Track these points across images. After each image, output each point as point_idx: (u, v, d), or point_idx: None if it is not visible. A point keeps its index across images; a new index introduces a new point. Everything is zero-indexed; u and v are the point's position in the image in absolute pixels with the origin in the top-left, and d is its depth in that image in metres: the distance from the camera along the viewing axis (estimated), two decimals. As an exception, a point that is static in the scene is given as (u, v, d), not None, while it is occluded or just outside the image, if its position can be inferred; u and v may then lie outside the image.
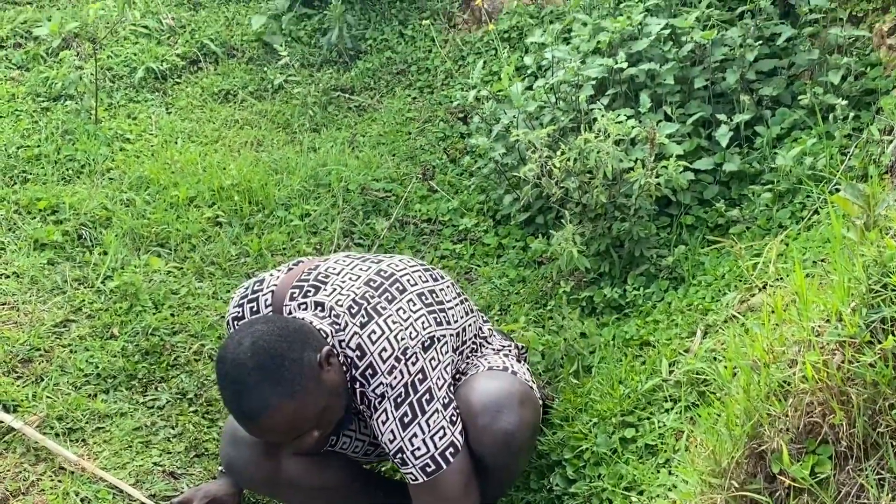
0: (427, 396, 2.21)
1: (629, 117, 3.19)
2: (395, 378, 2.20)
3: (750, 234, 3.05)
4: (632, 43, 3.47)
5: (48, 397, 2.86)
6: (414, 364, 2.21)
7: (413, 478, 2.23)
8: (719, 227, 3.19)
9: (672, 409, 2.54)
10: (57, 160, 3.89)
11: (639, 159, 3.10)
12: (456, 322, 2.36)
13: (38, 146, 3.95)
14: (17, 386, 2.88)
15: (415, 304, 2.29)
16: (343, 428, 2.32)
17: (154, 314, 3.18)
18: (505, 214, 3.71)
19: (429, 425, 2.21)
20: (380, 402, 2.21)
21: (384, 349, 2.21)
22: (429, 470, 2.22)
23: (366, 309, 2.25)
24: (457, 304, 2.40)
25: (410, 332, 2.23)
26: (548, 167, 3.18)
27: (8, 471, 2.63)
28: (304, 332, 2.15)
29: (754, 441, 1.84)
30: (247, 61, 4.85)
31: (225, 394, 2.11)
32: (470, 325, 2.44)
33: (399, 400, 2.20)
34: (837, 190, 2.79)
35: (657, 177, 3.04)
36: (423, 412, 2.21)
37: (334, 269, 2.36)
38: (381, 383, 2.20)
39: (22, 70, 4.56)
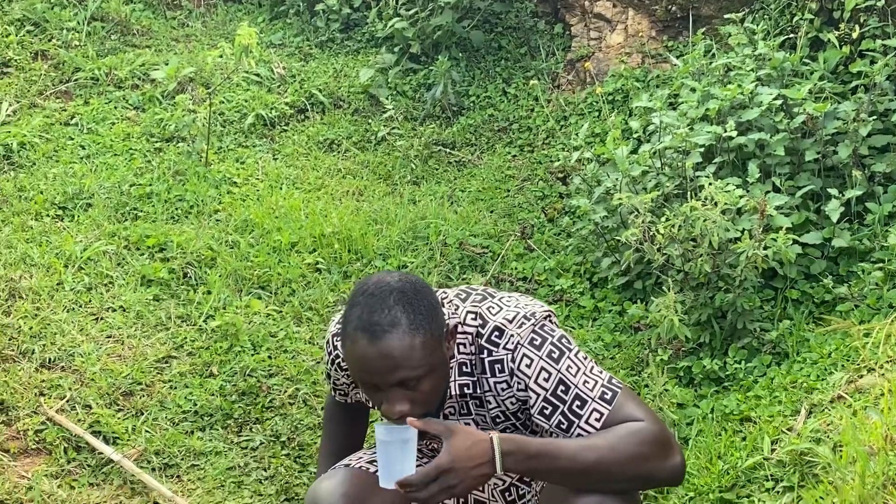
0: (565, 341, 2.11)
1: (737, 186, 3.15)
2: (525, 330, 2.11)
3: (858, 313, 2.97)
4: (742, 111, 3.44)
5: (147, 431, 2.92)
6: (537, 319, 2.13)
7: (597, 415, 2.06)
8: (826, 303, 3.12)
9: (773, 489, 2.46)
10: (167, 199, 4.01)
11: (746, 230, 3.05)
12: None
13: (150, 185, 4.08)
14: (118, 418, 2.94)
15: (527, 297, 2.25)
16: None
17: (252, 355, 3.23)
18: (602, 277, 3.68)
19: (580, 360, 2.09)
20: (516, 351, 2.10)
21: (506, 315, 2.14)
22: (608, 396, 2.05)
23: (476, 293, 2.22)
24: None
25: (528, 307, 2.17)
26: (651, 233, 3.15)
27: (105, 502, 2.68)
28: (440, 303, 2.14)
29: (868, 530, 1.77)
30: (352, 112, 4.95)
31: (355, 310, 2.04)
32: None
33: (537, 343, 2.10)
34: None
35: (764, 248, 2.99)
36: (569, 349, 2.10)
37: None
38: (512, 335, 2.11)
39: (138, 111, 4.73)
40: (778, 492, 2.43)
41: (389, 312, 2.02)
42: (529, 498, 2.43)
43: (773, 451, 2.55)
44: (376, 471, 2.36)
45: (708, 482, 2.55)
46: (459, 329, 2.17)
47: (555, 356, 2.11)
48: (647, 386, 3.07)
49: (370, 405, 2.43)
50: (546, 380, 2.10)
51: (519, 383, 2.13)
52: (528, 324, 2.14)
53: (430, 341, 2.05)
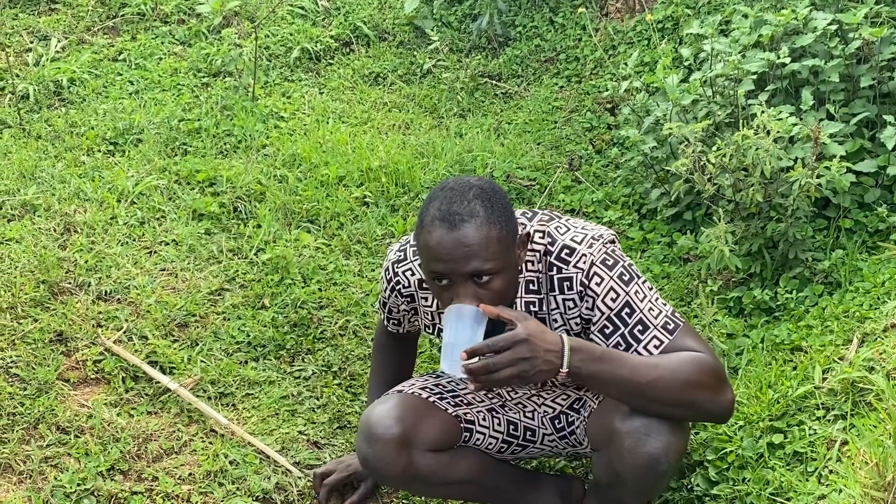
0: (634, 268, 2.17)
1: (790, 114, 3.09)
2: (597, 250, 2.15)
3: (913, 242, 2.93)
4: (795, 37, 3.36)
5: (202, 362, 2.98)
6: (605, 241, 2.17)
7: (657, 342, 2.12)
8: (879, 232, 3.07)
9: (824, 417, 2.46)
10: (216, 134, 4.04)
11: (798, 158, 3.00)
12: None
13: (199, 120, 4.11)
14: (174, 349, 3.01)
15: (591, 222, 2.29)
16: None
17: (303, 288, 3.27)
18: (651, 209, 3.65)
19: (647, 288, 2.15)
20: (589, 270, 2.14)
21: (573, 236, 2.18)
22: (670, 327, 2.12)
23: (543, 214, 2.25)
24: None
25: (596, 230, 2.20)
26: (701, 162, 3.11)
27: (163, 430, 2.75)
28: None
29: (922, 457, 1.77)
30: (397, 45, 4.92)
31: (434, 203, 2.09)
32: None
33: (609, 263, 2.14)
34: None
35: (818, 177, 2.94)
36: (637, 276, 2.16)
37: None
38: (584, 255, 2.15)
39: (185, 46, 4.74)
40: (829, 420, 2.42)
41: (469, 204, 2.07)
42: (578, 424, 2.46)
43: (824, 379, 2.54)
44: (429, 396, 2.41)
45: (758, 410, 2.55)
46: (531, 238, 2.20)
47: (625, 279, 2.14)
48: (696, 316, 3.07)
49: (429, 331, 2.46)
50: (613, 300, 2.13)
51: (587, 301, 2.16)
52: (597, 244, 2.17)
53: (505, 238, 2.08)
